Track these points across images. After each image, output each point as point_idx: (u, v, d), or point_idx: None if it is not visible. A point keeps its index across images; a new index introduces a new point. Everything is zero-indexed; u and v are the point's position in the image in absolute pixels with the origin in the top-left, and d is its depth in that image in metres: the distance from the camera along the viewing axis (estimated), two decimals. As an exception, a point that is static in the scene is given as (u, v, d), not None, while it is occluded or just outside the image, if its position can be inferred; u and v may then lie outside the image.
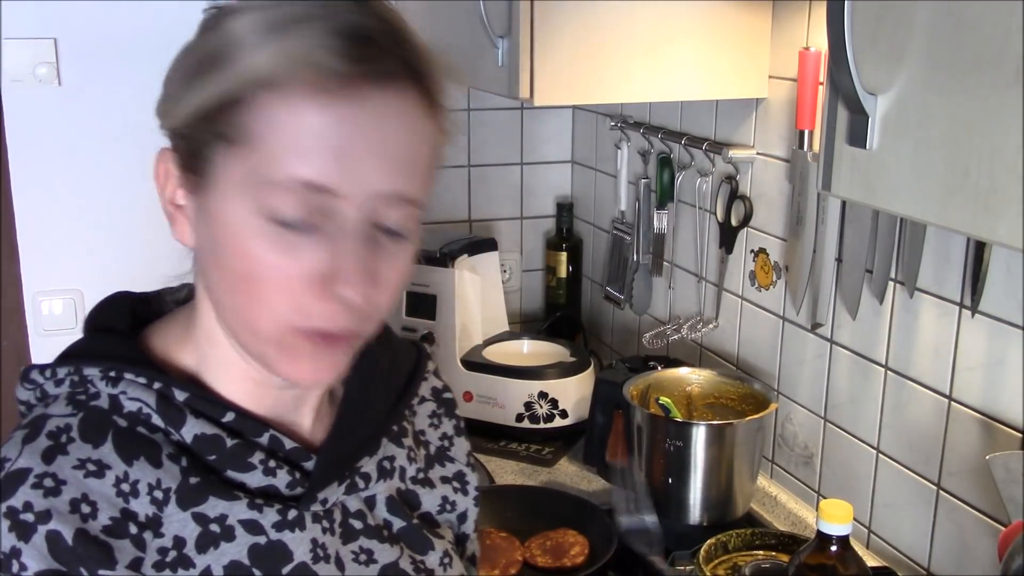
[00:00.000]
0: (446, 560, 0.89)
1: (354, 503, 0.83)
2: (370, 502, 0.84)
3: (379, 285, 0.71)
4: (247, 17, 0.69)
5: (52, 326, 2.06)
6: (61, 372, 0.75)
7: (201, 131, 0.70)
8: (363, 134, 0.68)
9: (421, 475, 0.90)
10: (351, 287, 0.69)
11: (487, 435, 1.91)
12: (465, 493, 0.94)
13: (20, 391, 0.78)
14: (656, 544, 1.45)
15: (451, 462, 0.94)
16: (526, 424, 1.89)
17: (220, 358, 0.77)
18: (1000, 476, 1.10)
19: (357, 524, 0.82)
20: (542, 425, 1.89)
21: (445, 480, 0.93)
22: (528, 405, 1.89)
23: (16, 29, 1.92)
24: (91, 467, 0.70)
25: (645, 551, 1.45)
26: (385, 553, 0.83)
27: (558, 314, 2.27)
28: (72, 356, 0.77)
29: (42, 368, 0.76)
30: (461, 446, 0.96)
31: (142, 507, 0.71)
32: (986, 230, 0.75)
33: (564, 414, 1.90)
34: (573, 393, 1.90)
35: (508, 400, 1.90)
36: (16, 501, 0.68)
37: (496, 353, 2.01)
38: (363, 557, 0.82)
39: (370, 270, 0.70)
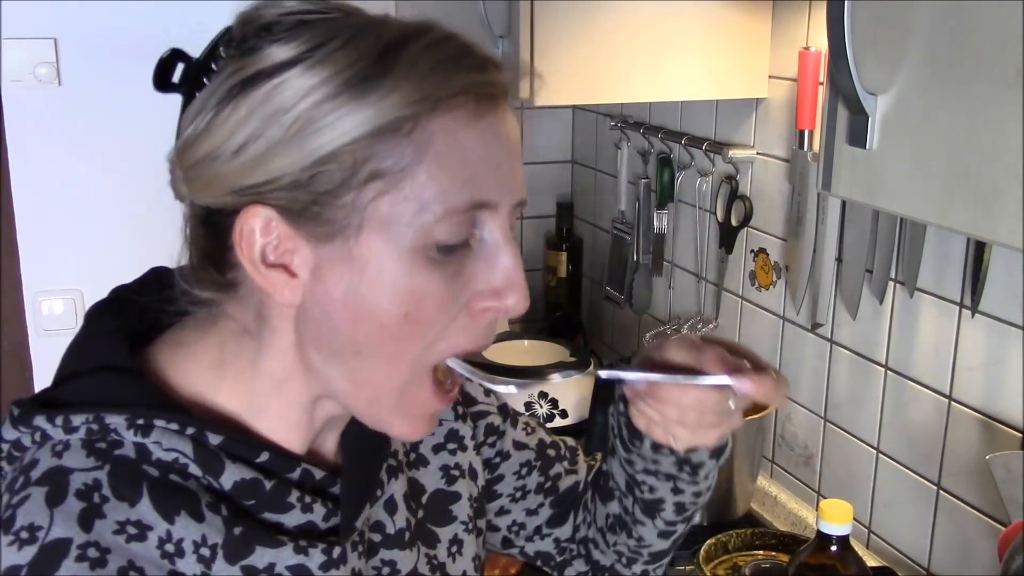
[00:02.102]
0: (453, 549, 0.86)
1: (373, 514, 0.80)
2: (389, 506, 0.81)
3: None
4: (411, 59, 0.65)
5: (52, 326, 2.06)
6: (76, 420, 0.67)
7: (335, 174, 0.64)
8: (509, 148, 0.69)
9: (412, 456, 0.87)
10: (523, 299, 0.69)
11: (487, 435, 1.91)
12: (463, 448, 0.90)
13: (7, 431, 0.68)
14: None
15: (438, 426, 0.89)
16: (526, 424, 1.89)
17: (286, 404, 0.73)
18: (1000, 476, 1.10)
19: (376, 537, 0.79)
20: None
21: (438, 448, 0.89)
22: (528, 405, 1.89)
23: (16, 29, 1.92)
24: (132, 530, 0.65)
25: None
26: (406, 560, 0.81)
27: (558, 314, 2.27)
28: (86, 404, 0.69)
29: (50, 416, 0.67)
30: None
31: (189, 567, 0.66)
32: (986, 230, 0.75)
33: (564, 414, 1.89)
34: (573, 393, 1.90)
35: (508, 400, 1.89)
36: None
37: (496, 353, 2.01)
38: (386, 570, 0.79)
39: None
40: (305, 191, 0.64)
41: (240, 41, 0.66)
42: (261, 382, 0.72)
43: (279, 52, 0.64)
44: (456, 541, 0.87)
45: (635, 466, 0.88)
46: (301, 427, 0.74)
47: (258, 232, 0.66)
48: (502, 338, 2.07)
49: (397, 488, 0.82)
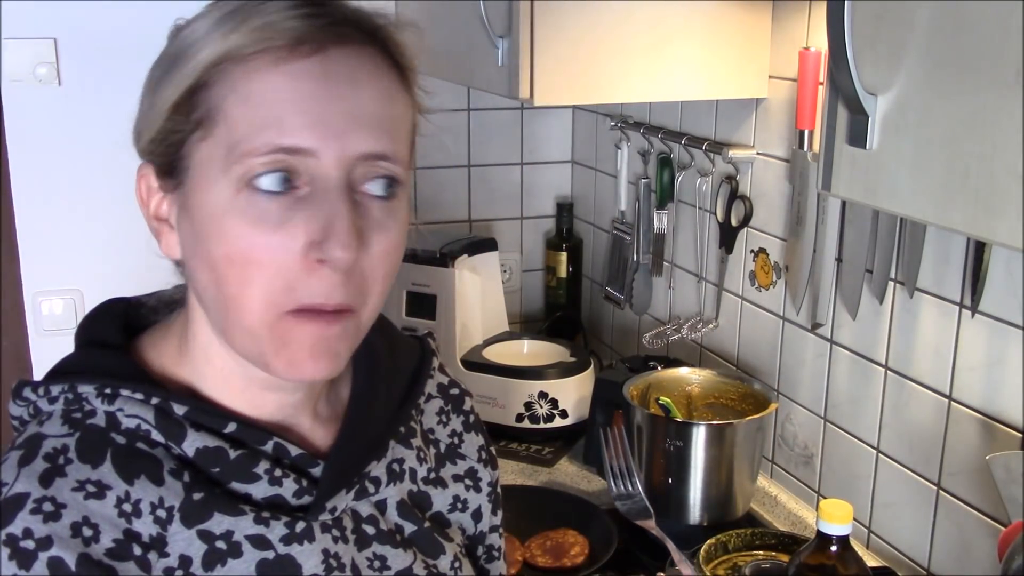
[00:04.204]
0: (456, 564, 0.87)
1: (365, 508, 0.81)
2: (381, 506, 0.83)
3: (369, 250, 0.70)
4: (205, 16, 0.71)
5: (52, 326, 2.06)
6: (55, 389, 0.73)
7: (173, 130, 0.71)
8: (332, 92, 0.68)
9: (432, 475, 0.89)
10: (341, 246, 0.67)
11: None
12: (478, 490, 0.93)
13: (12, 407, 0.75)
14: (643, 514, 1.44)
15: (462, 459, 0.93)
16: (526, 424, 1.89)
17: (218, 369, 0.76)
18: (1000, 476, 1.10)
19: (370, 530, 0.81)
20: (542, 425, 1.89)
21: (457, 478, 0.91)
22: (528, 405, 1.89)
23: (16, 29, 1.92)
24: (91, 488, 0.68)
25: (632, 517, 1.45)
26: (399, 559, 0.82)
27: (558, 314, 2.27)
28: (66, 373, 0.75)
29: (35, 385, 0.74)
30: (472, 442, 0.94)
31: (145, 527, 0.69)
32: (986, 230, 0.75)
33: (564, 414, 1.90)
34: (573, 393, 1.90)
35: (508, 400, 1.90)
36: (15, 528, 0.65)
37: (496, 353, 2.01)
38: (377, 564, 0.80)
39: (359, 229, 0.69)
40: (161, 144, 0.72)
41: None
42: (196, 352, 0.76)
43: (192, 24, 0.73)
44: (458, 558, 0.88)
45: None
46: (249, 394, 0.76)
47: (144, 188, 0.75)
48: (502, 338, 2.07)
49: (392, 493, 0.84)
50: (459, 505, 0.91)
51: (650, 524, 1.42)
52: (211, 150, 0.69)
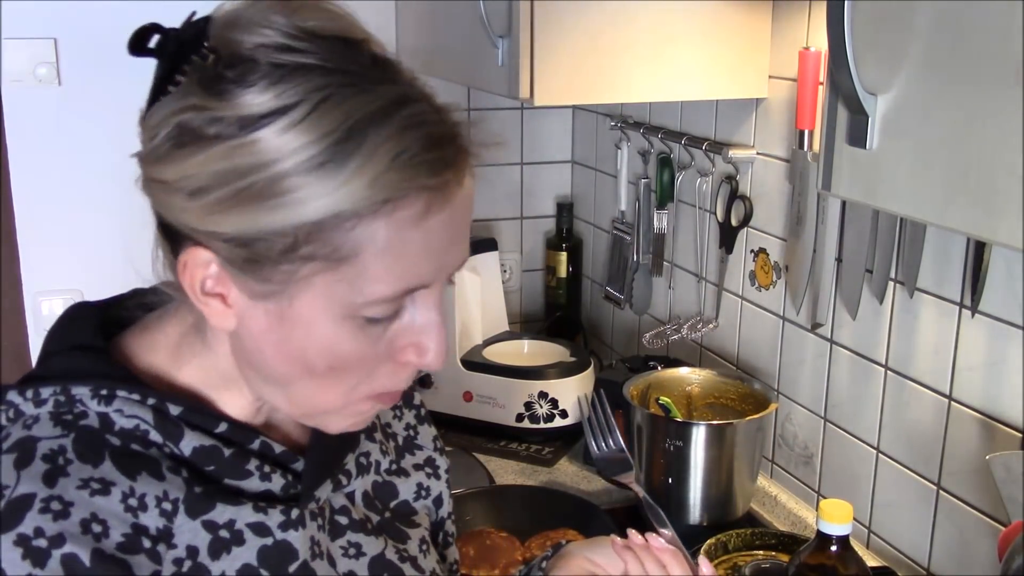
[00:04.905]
0: (424, 547, 0.91)
1: (338, 500, 0.84)
2: (351, 497, 0.86)
3: None
4: (285, 130, 0.64)
5: (52, 326, 2.06)
6: (45, 392, 0.72)
7: (276, 246, 0.66)
8: (454, 231, 0.71)
9: (394, 466, 0.92)
10: (438, 355, 0.73)
11: (487, 435, 1.91)
12: (437, 477, 0.96)
13: None
14: (622, 466, 1.41)
15: (419, 449, 0.96)
16: (526, 424, 1.89)
17: (229, 396, 0.78)
18: (1000, 476, 1.10)
19: (343, 520, 0.83)
20: (542, 425, 1.89)
21: (417, 467, 0.95)
22: (528, 405, 1.89)
23: (16, 29, 1.92)
24: (95, 485, 0.69)
25: (612, 473, 1.41)
26: (372, 545, 0.84)
27: (558, 314, 2.27)
28: (55, 377, 0.74)
29: (21, 389, 0.73)
30: (426, 432, 0.98)
31: (152, 520, 0.70)
32: (986, 230, 0.75)
33: (564, 414, 1.90)
34: (573, 393, 1.90)
35: (508, 400, 1.90)
36: (26, 528, 0.65)
37: (496, 353, 2.01)
38: (352, 551, 0.83)
39: None
40: (247, 250, 0.67)
41: (215, 62, 0.68)
42: (210, 374, 0.77)
43: (248, 103, 0.65)
44: (424, 541, 0.92)
45: None
46: (253, 409, 0.79)
47: (200, 270, 0.70)
48: (502, 338, 2.07)
49: (359, 485, 0.87)
50: (423, 492, 0.94)
51: (629, 479, 1.37)
52: (332, 282, 0.67)
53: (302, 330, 0.69)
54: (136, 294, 0.84)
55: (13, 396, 0.73)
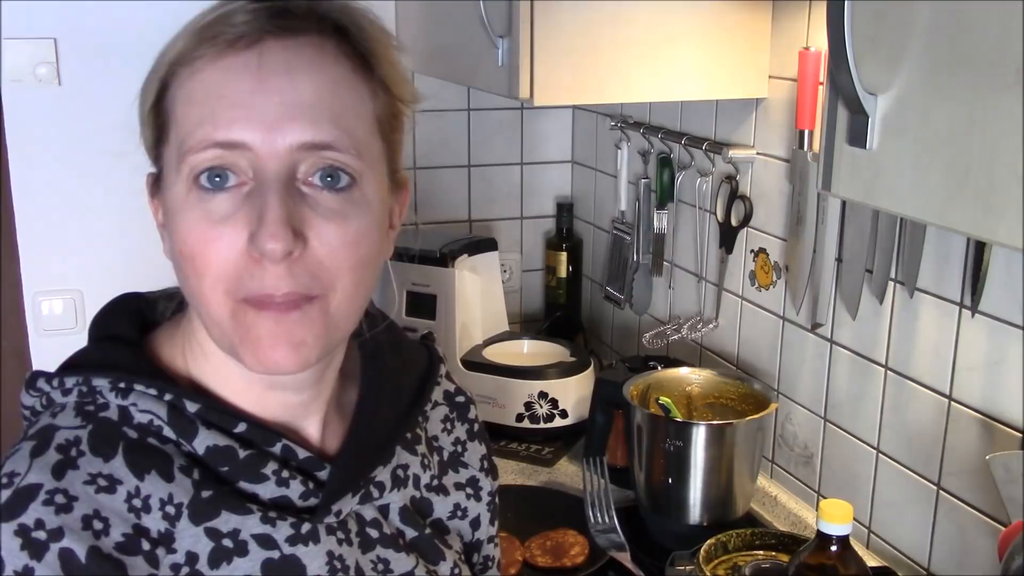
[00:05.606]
0: (456, 571, 0.88)
1: (369, 512, 0.81)
2: (384, 511, 0.83)
3: (321, 240, 0.69)
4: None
5: (52, 326, 2.06)
6: (69, 381, 0.74)
7: (150, 138, 0.74)
8: (267, 85, 0.68)
9: (435, 482, 0.89)
10: (269, 237, 0.66)
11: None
12: (478, 499, 0.93)
13: (25, 397, 0.76)
14: (619, 548, 1.46)
15: (464, 468, 0.93)
16: (526, 424, 1.89)
17: (219, 367, 0.76)
18: (1000, 476, 1.10)
19: (374, 533, 0.81)
20: (542, 425, 1.89)
21: (458, 486, 0.92)
22: (528, 405, 1.89)
23: (16, 29, 1.92)
24: (102, 482, 0.69)
25: (608, 549, 1.46)
26: (401, 562, 0.82)
27: (558, 314, 2.27)
28: (80, 366, 0.75)
29: (49, 377, 0.75)
30: (475, 450, 0.95)
31: (154, 523, 0.70)
32: (986, 230, 0.75)
33: (564, 414, 1.90)
34: (573, 393, 1.90)
35: (508, 400, 1.90)
36: (28, 519, 0.66)
37: (496, 353, 2.01)
38: (381, 567, 0.81)
39: (299, 220, 0.68)
40: (150, 155, 0.75)
41: None
42: (197, 351, 0.77)
43: None
44: (458, 564, 0.89)
45: None
46: (253, 395, 0.76)
47: (148, 190, 0.76)
48: (502, 338, 2.07)
49: (396, 499, 0.84)
50: (459, 513, 0.91)
51: (625, 557, 1.43)
52: (169, 153, 0.72)
53: (168, 215, 0.72)
54: (176, 292, 0.84)
55: (43, 383, 0.75)
